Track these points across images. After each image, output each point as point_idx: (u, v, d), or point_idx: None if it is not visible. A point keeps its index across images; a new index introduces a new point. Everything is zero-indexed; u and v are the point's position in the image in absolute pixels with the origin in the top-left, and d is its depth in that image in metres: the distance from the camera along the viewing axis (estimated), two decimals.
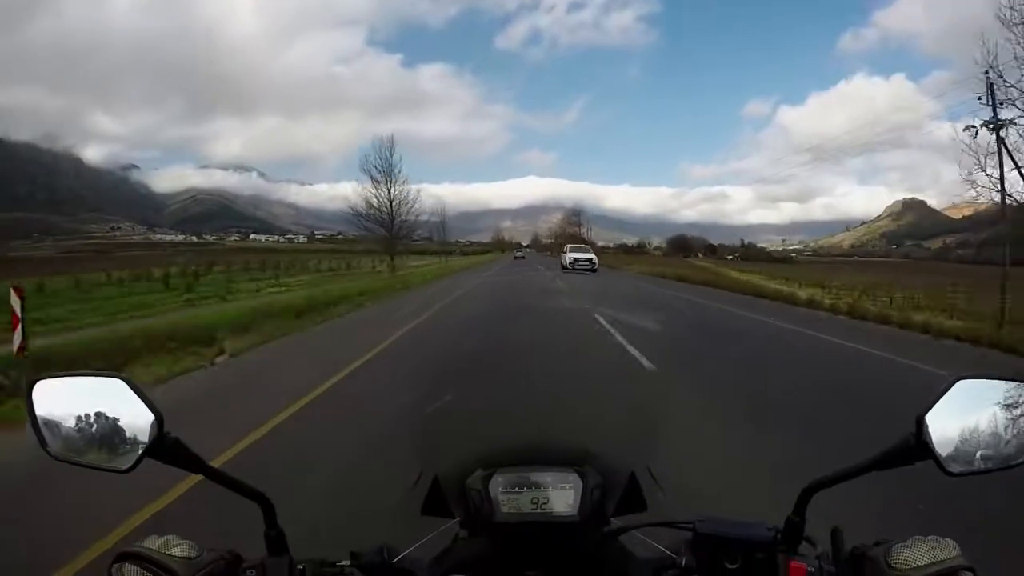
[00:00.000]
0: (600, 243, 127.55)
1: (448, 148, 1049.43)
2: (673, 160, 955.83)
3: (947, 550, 0.95)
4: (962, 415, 1.02)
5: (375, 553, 1.13)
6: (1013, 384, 1.05)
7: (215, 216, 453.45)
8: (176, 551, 0.99)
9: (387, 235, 54.60)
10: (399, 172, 54.95)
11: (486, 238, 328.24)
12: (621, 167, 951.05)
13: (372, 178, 53.71)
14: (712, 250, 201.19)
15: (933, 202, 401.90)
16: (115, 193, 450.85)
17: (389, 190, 53.91)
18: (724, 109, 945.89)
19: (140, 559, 0.97)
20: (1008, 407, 1.03)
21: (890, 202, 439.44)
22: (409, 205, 53.78)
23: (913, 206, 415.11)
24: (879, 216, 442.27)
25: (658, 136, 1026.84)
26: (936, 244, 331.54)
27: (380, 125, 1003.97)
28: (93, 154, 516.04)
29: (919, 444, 1.00)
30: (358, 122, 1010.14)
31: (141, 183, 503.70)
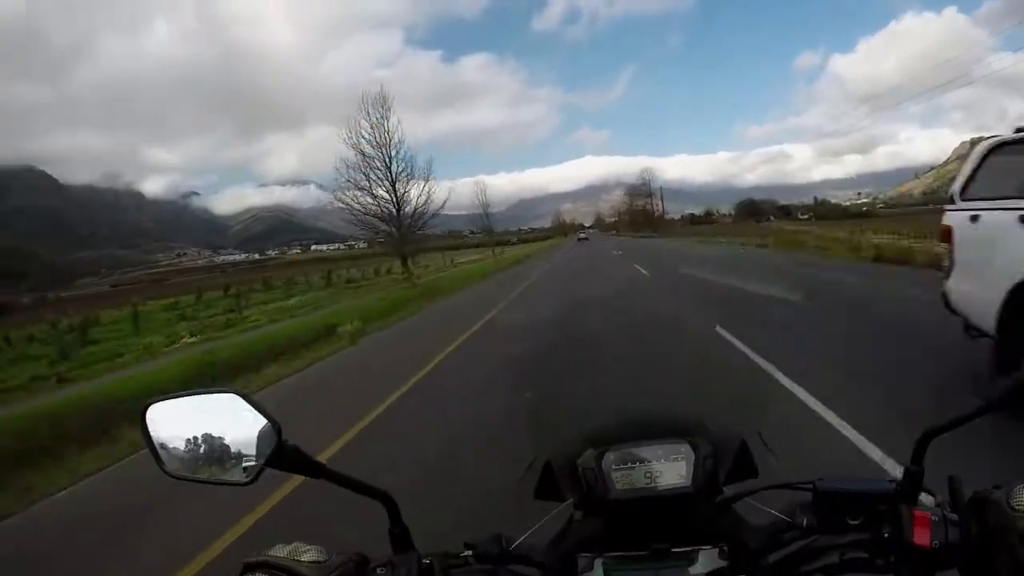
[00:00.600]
0: (667, 216, 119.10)
1: (498, 137, 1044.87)
2: (727, 123, 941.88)
3: None
4: None
5: (491, 542, 1.12)
6: None
7: (277, 232, 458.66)
8: (305, 557, 1.01)
9: (393, 233, 42.19)
10: (399, 142, 42.11)
11: (547, 223, 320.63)
12: (675, 137, 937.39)
13: (362, 152, 41.22)
14: (785, 211, 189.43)
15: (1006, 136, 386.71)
16: (178, 221, 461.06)
17: (391, 167, 41.52)
18: (774, 65, 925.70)
19: (269, 567, 0.98)
20: None
21: (956, 143, 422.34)
22: (421, 192, 41.72)
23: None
24: (948, 160, 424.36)
25: (709, 100, 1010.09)
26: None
27: (429, 122, 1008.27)
28: (153, 186, 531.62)
29: None
30: (407, 122, 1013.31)
31: (203, 208, 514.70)
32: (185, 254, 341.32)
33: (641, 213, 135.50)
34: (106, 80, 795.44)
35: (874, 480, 1.06)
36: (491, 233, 63.37)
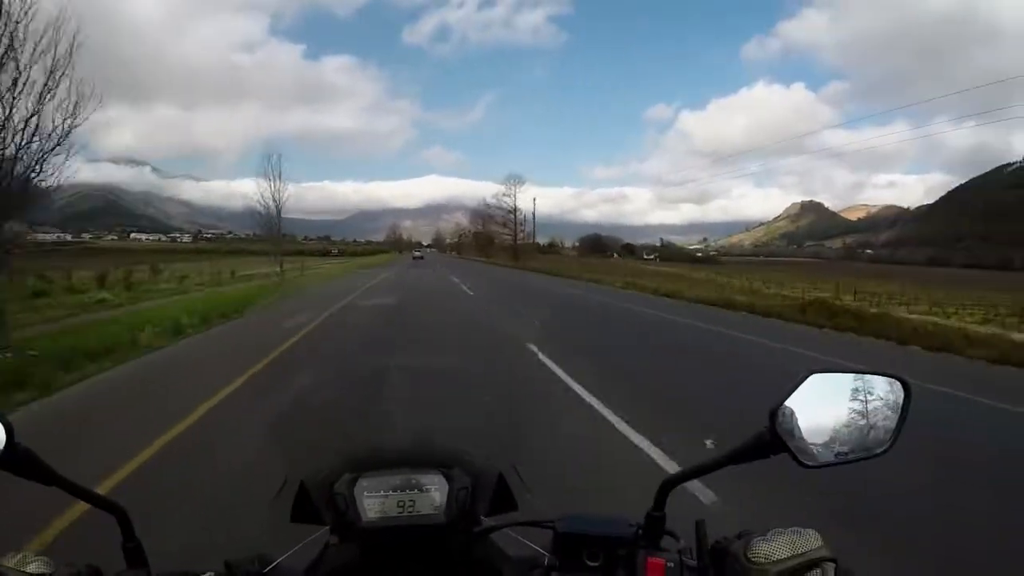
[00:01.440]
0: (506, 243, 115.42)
1: (351, 144, 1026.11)
2: (576, 161, 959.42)
3: (809, 541, 0.93)
4: (816, 408, 1.03)
5: (248, 562, 1.09)
6: (864, 377, 1.07)
7: (102, 213, 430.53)
8: (31, 567, 0.96)
9: None
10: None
11: (385, 237, 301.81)
12: (525, 167, 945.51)
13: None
14: (630, 250, 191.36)
15: (829, 204, 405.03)
16: None
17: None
18: (628, 112, 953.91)
19: None
20: (859, 400, 1.05)
21: (786, 204, 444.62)
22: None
23: (811, 208, 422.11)
24: (777, 217, 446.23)
25: (562, 136, 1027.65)
26: (836, 244, 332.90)
27: (281, 119, 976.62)
28: None
29: (773, 437, 1.00)
30: (259, 115, 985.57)
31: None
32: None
33: (486, 236, 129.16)
34: None
35: (617, 521, 1.10)
36: (276, 239, 42.85)
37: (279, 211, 45.86)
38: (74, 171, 13.92)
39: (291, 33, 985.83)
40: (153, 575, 1.06)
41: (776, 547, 0.93)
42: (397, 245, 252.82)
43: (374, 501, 1.10)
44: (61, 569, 0.97)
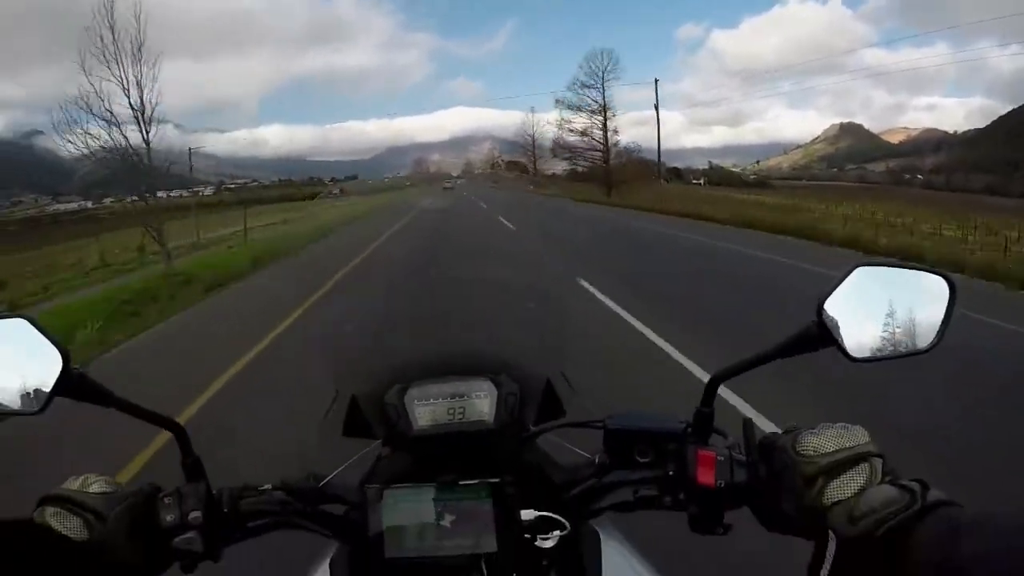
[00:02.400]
0: (548, 172, 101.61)
1: (372, 81, 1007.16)
2: (606, 85, 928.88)
3: (856, 436, 0.95)
4: (863, 302, 1.03)
5: (303, 479, 1.12)
6: (912, 271, 1.07)
7: (127, 176, 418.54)
8: (94, 487, 1.01)
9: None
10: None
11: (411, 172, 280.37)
12: (551, 93, 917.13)
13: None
14: (676, 173, 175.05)
15: (868, 126, 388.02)
16: (17, 163, 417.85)
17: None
18: (657, 32, 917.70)
19: (60, 500, 0.98)
20: (905, 295, 1.05)
21: (823, 126, 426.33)
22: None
23: (849, 130, 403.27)
24: (815, 139, 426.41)
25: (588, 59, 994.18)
26: (879, 167, 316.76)
27: (299, 61, 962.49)
28: None
29: (821, 331, 1.00)
30: (275, 60, 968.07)
31: (46, 149, 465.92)
32: (21, 201, 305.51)
33: (520, 164, 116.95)
34: None
35: (665, 419, 1.11)
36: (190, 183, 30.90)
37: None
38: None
39: None
40: (212, 489, 1.10)
41: (824, 440, 0.94)
42: (425, 177, 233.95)
43: (424, 409, 1.11)
44: (122, 488, 1.03)
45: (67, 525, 0.96)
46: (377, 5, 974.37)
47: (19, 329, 1.03)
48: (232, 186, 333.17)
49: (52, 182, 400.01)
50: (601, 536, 1.16)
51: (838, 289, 1.00)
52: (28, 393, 1.02)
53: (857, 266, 1.01)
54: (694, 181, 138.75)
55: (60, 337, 1.02)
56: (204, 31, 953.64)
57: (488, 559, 1.05)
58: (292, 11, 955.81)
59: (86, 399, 1.02)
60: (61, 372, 1.00)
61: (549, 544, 1.06)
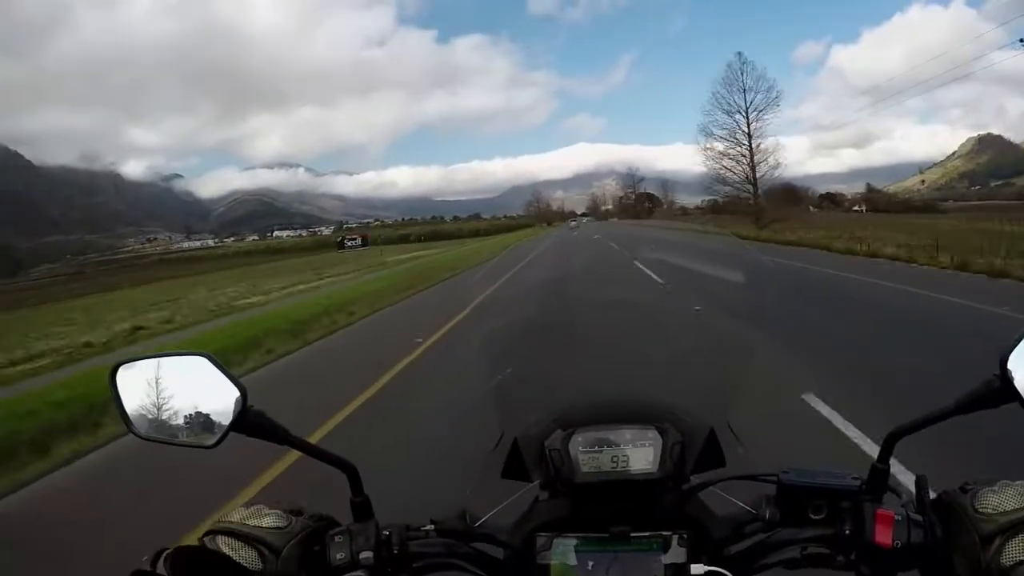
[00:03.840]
0: (677, 204, 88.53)
1: (493, 121, 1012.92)
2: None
3: None
4: None
5: (457, 518, 1.11)
6: None
7: (258, 216, 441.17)
8: (266, 521, 1.03)
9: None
10: None
11: (525, 210, 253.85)
12: (671, 125, 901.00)
13: None
14: (831, 200, 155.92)
15: (1010, 136, 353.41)
16: (158, 204, 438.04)
17: None
18: (774, 54, 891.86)
19: (232, 533, 1.00)
20: None
21: (956, 140, 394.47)
22: None
23: (988, 142, 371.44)
24: (951, 155, 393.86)
25: (707, 90, 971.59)
26: None
27: (422, 105, 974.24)
28: (134, 169, 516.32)
29: (1004, 386, 0.95)
30: (399, 104, 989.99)
31: (186, 191, 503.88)
32: (155, 239, 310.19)
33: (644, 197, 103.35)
34: (85, 56, 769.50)
35: (840, 475, 1.07)
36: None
37: None
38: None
39: (418, 20, 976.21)
40: (381, 529, 1.11)
41: (1004, 499, 0.92)
42: (545, 216, 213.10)
43: (588, 456, 1.08)
44: (295, 522, 1.05)
45: (242, 556, 0.98)
46: (494, 45, 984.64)
47: (199, 366, 1.06)
48: (353, 225, 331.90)
49: (190, 222, 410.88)
50: None
51: (1021, 343, 0.95)
52: (204, 427, 1.07)
53: None
54: (855, 208, 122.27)
55: (238, 374, 1.05)
56: (331, 80, 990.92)
57: None
58: (413, 57, 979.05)
59: (261, 436, 1.06)
60: (241, 409, 1.04)
61: None
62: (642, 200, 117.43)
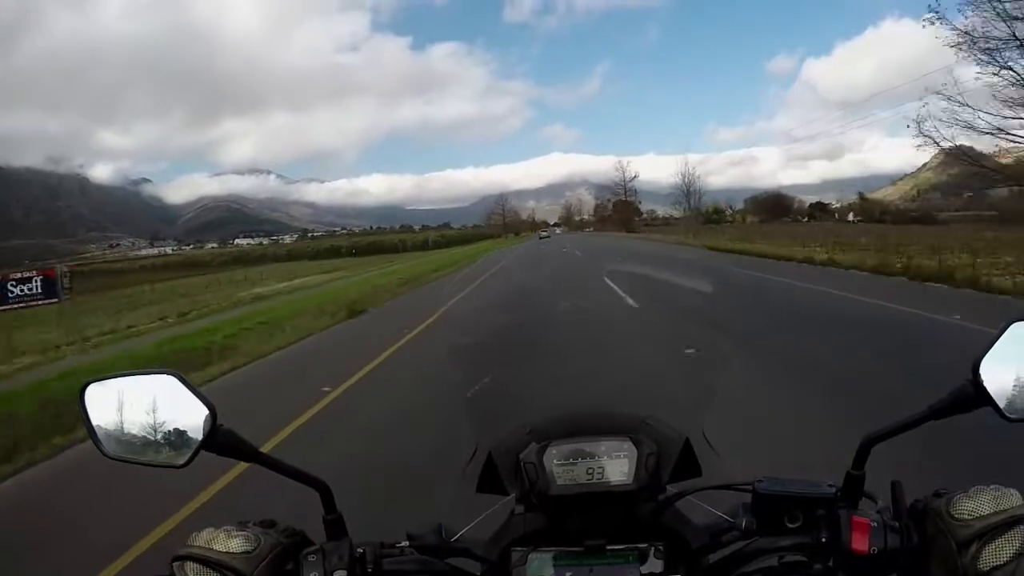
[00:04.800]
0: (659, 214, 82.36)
1: (468, 130, 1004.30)
2: (698, 125, 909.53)
3: (1010, 499, 0.92)
4: (1018, 360, 0.98)
5: (432, 533, 1.11)
6: None
7: (226, 223, 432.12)
8: (233, 544, 0.99)
9: None
10: None
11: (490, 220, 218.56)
12: (646, 136, 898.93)
13: None
14: (822, 208, 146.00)
15: (979, 147, 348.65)
16: (124, 209, 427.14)
17: None
18: (749, 67, 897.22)
19: (198, 560, 0.98)
20: None
21: (928, 153, 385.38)
22: None
23: (958, 154, 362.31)
24: (921, 167, 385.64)
25: (682, 101, 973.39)
26: (1002, 192, 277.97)
27: (395, 112, 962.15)
28: (101, 172, 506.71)
29: (976, 391, 0.97)
30: (373, 112, 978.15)
31: (154, 196, 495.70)
32: (118, 244, 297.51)
33: (626, 206, 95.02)
34: (52, 57, 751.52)
35: (815, 483, 1.07)
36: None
37: None
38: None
39: (393, 26, 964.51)
40: (354, 544, 1.10)
41: (979, 504, 0.92)
42: (513, 227, 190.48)
43: (563, 469, 1.08)
44: (263, 542, 1.01)
45: None
46: (470, 54, 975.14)
47: (167, 384, 1.05)
48: (317, 234, 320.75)
49: (157, 227, 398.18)
50: None
51: (993, 348, 0.96)
52: (174, 447, 1.05)
53: (1012, 322, 0.97)
54: (852, 219, 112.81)
55: (206, 392, 1.04)
56: (304, 86, 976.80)
57: None
58: (388, 64, 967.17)
59: (231, 455, 1.04)
60: (210, 428, 1.02)
61: None
62: (626, 207, 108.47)
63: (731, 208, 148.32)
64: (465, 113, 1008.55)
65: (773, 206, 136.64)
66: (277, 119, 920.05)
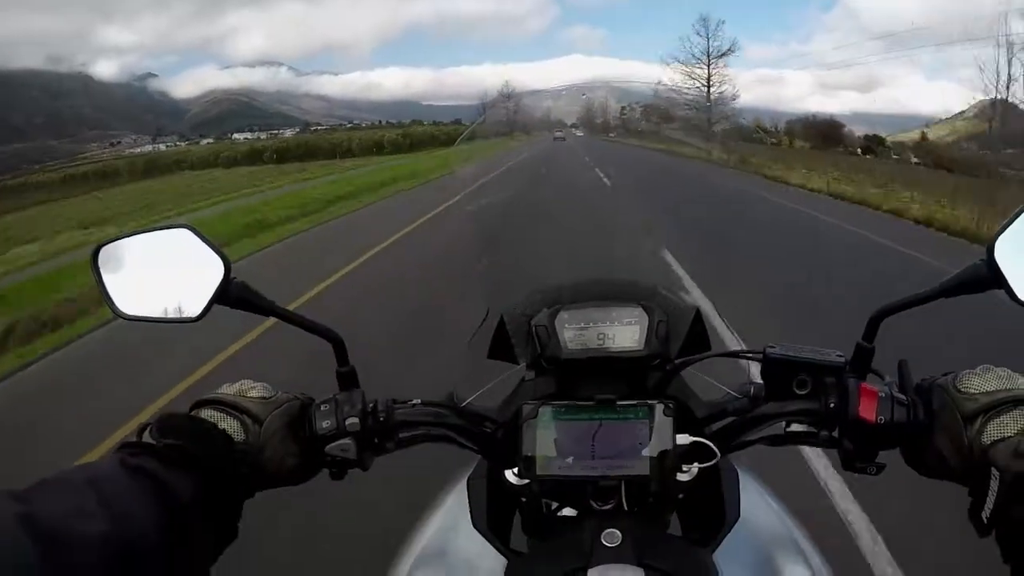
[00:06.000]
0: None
1: (488, 26, 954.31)
2: (729, 38, 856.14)
3: (1018, 380, 0.93)
4: None
5: (444, 399, 1.12)
6: None
7: (234, 116, 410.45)
8: (251, 393, 1.03)
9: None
10: None
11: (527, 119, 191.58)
12: (674, 45, 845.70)
13: None
14: (880, 142, 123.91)
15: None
16: (130, 105, 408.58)
17: None
18: None
19: (218, 403, 1.00)
20: None
21: (962, 100, 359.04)
22: None
23: (999, 107, 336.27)
24: (959, 114, 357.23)
25: (717, 12, 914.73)
26: None
27: (413, 5, 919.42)
28: (105, 69, 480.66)
29: (990, 271, 0.94)
30: (389, 2, 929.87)
31: (160, 91, 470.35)
32: (119, 143, 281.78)
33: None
34: None
35: (825, 351, 1.06)
36: None
37: None
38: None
39: None
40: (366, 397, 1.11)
41: (987, 381, 0.92)
42: (520, 125, 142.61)
43: (574, 333, 1.07)
44: (280, 394, 1.04)
45: (225, 425, 0.98)
46: None
47: (182, 239, 1.04)
48: (319, 128, 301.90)
49: (163, 123, 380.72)
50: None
51: (1009, 228, 0.94)
52: (188, 300, 1.04)
53: None
54: (915, 160, 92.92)
55: (221, 245, 1.04)
56: None
57: (630, 481, 1.04)
58: None
59: (244, 308, 1.04)
60: (222, 281, 1.01)
61: (686, 477, 1.05)
62: (648, 113, 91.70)
63: (776, 128, 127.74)
64: (487, 7, 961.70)
65: (825, 133, 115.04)
66: (289, 9, 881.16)
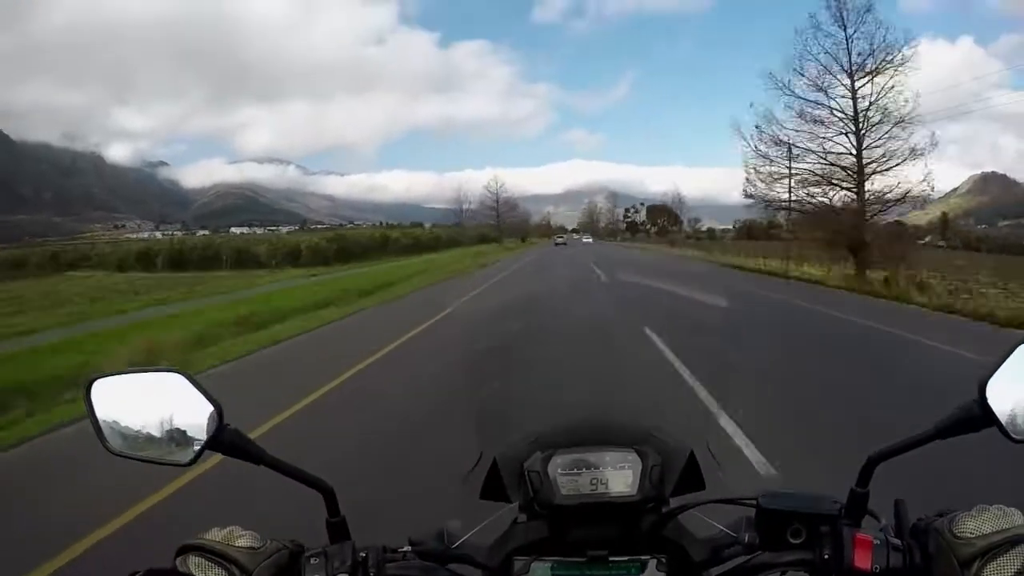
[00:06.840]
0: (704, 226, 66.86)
1: (488, 130, 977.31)
2: (728, 138, 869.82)
3: (1013, 518, 0.91)
4: None
5: (434, 539, 1.10)
6: None
7: (240, 210, 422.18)
8: (240, 542, 1.00)
9: None
10: None
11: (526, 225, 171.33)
12: (672, 148, 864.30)
13: None
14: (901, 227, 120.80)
15: (1013, 175, 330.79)
16: (139, 190, 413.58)
17: None
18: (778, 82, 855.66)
19: (204, 551, 0.97)
20: None
21: (954, 176, 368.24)
22: None
23: (991, 181, 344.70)
24: (951, 191, 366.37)
25: (713, 113, 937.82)
26: None
27: (417, 109, 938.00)
28: (119, 152, 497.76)
29: (983, 411, 0.95)
30: (395, 107, 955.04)
31: (169, 179, 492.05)
32: (123, 225, 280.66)
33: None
34: (72, 30, 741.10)
35: (819, 498, 1.06)
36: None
37: None
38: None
39: (420, 20, 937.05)
40: (357, 548, 1.08)
41: (982, 523, 0.91)
42: (522, 231, 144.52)
43: (567, 478, 1.05)
44: (268, 544, 1.02)
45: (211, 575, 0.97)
46: (496, 52, 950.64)
47: (174, 383, 1.04)
48: (319, 227, 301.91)
49: (169, 211, 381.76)
50: None
51: (1001, 368, 0.94)
52: (180, 445, 1.04)
53: (1020, 343, 0.95)
54: (938, 244, 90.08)
55: (214, 392, 1.04)
56: (327, 76, 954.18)
57: None
58: (413, 58, 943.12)
59: (236, 455, 1.04)
60: (216, 428, 1.02)
61: None
62: (654, 214, 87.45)
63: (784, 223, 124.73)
64: (488, 113, 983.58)
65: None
66: (298, 108, 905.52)
